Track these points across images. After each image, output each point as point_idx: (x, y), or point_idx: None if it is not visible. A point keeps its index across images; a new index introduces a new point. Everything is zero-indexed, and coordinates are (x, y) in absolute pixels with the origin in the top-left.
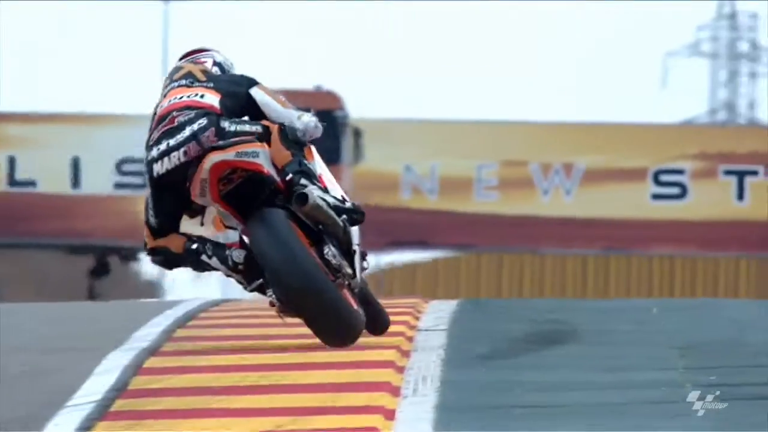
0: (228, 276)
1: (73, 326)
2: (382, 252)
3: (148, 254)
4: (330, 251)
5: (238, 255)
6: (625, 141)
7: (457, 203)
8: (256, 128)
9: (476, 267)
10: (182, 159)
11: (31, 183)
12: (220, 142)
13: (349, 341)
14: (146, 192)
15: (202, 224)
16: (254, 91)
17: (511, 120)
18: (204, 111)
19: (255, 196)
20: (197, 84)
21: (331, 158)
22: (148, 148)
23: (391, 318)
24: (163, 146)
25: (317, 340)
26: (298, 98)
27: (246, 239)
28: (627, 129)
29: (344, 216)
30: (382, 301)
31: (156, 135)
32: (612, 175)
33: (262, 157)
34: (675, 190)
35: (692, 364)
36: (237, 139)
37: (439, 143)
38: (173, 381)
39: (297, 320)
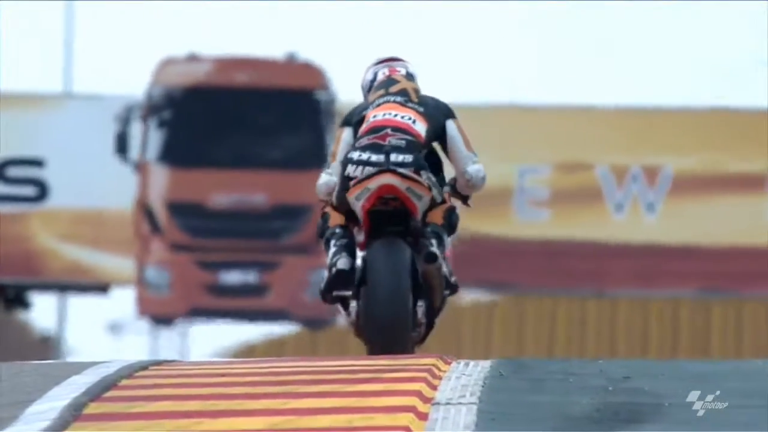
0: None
1: None
2: None
3: (321, 216)
4: (422, 308)
5: (343, 262)
6: (734, 133)
7: (491, 224)
8: (437, 190)
9: (518, 315)
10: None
11: None
12: (401, 170)
13: None
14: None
15: None
16: (449, 123)
17: (567, 104)
18: (414, 143)
19: (391, 224)
20: (410, 104)
21: (311, 159)
22: (354, 147)
23: (399, 386)
24: (365, 156)
25: (295, 419)
26: (264, 71)
27: (360, 254)
28: (735, 116)
29: (447, 290)
30: (387, 362)
31: (365, 141)
32: (714, 184)
33: (423, 204)
34: None
35: None
36: (416, 176)
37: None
38: None
39: (268, 387)
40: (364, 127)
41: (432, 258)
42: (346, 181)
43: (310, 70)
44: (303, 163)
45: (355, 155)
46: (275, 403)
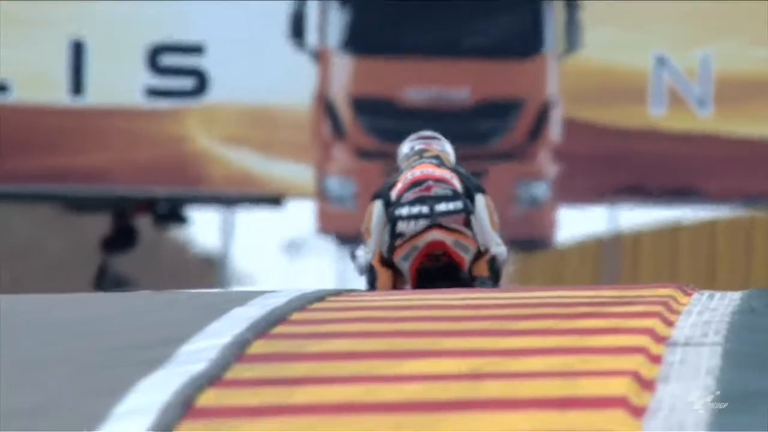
0: None
1: (72, 336)
2: (615, 205)
3: (368, 269)
4: None
5: None
6: None
7: (749, 123)
8: (481, 240)
9: None
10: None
11: (1, 87)
12: (446, 224)
13: None
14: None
15: None
16: (479, 198)
17: None
18: (458, 191)
19: (439, 280)
20: (444, 167)
21: (525, 45)
22: (399, 204)
23: (628, 323)
24: (415, 210)
25: (500, 361)
26: None
27: None
28: None
29: None
30: (614, 294)
31: (411, 195)
32: None
33: (470, 256)
34: None
35: None
36: (462, 228)
37: (713, 17)
38: None
39: (468, 322)
40: (401, 186)
41: None
42: (395, 239)
43: None
44: (515, 49)
45: (404, 211)
46: (476, 342)
